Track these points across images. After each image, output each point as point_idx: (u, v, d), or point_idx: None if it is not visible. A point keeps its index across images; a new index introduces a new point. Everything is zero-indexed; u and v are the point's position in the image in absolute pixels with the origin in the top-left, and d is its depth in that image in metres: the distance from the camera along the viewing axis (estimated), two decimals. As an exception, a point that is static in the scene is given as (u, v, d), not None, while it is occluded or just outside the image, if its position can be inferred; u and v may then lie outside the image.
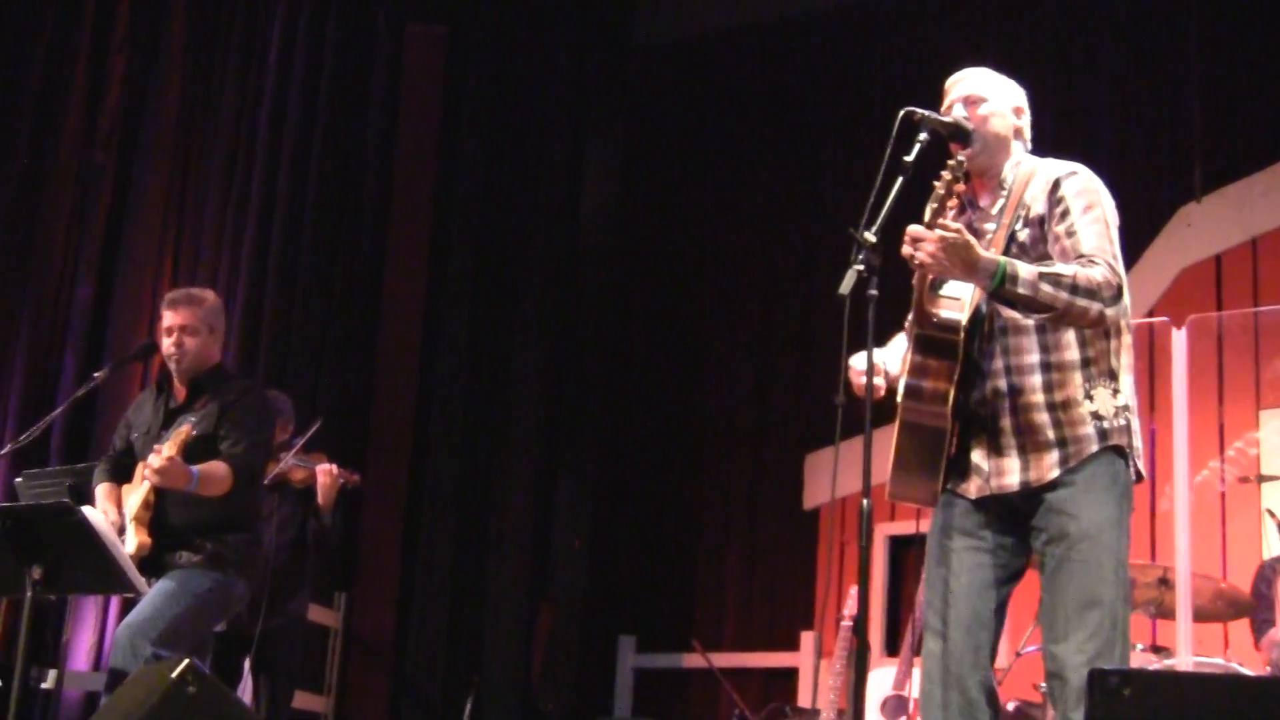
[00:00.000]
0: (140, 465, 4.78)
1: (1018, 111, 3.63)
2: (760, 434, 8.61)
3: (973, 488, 3.44)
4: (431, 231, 8.24)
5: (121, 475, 4.91)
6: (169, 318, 4.91)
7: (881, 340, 3.54)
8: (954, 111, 3.54)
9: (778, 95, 9.01)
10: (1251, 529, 6.47)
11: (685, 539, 8.66)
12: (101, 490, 4.88)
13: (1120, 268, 3.37)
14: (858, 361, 3.47)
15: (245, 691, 5.61)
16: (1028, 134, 3.65)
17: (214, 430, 4.76)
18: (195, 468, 4.61)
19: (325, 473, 5.73)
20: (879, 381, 3.43)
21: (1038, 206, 3.46)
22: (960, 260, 3.23)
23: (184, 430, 4.65)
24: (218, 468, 4.68)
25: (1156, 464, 5.67)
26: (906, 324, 3.71)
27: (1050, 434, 3.37)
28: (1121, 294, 3.34)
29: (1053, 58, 7.96)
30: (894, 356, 3.63)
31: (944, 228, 3.22)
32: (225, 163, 7.67)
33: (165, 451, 4.55)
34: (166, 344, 4.90)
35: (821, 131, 8.76)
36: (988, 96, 3.57)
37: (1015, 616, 3.76)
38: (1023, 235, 3.46)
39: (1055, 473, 3.35)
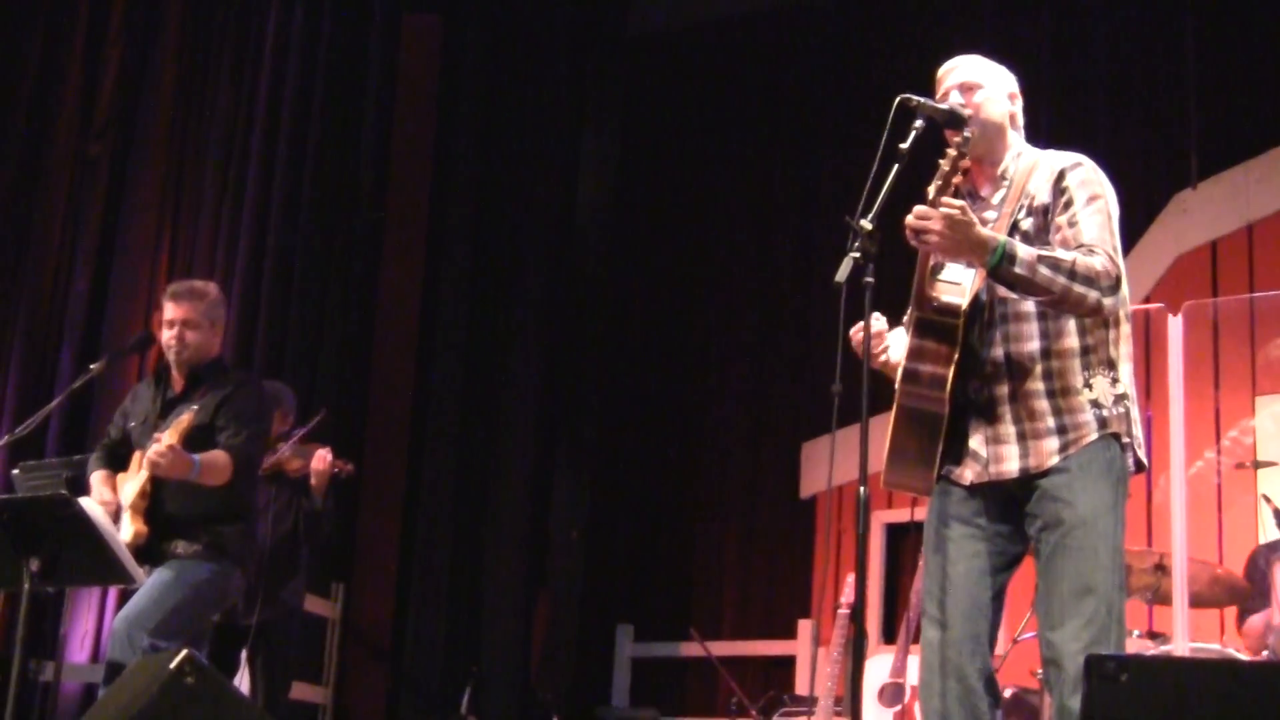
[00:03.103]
0: (137, 454, 4.78)
1: (1012, 97, 3.64)
2: (757, 423, 8.61)
3: (969, 474, 3.43)
4: (428, 223, 8.23)
5: (116, 464, 4.91)
6: (171, 310, 4.89)
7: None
8: (950, 99, 3.54)
9: (774, 86, 9.01)
10: (1248, 515, 6.48)
11: (682, 528, 8.67)
12: (97, 477, 4.88)
13: (1120, 260, 3.38)
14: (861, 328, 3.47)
15: (242, 683, 5.61)
16: (1021, 119, 3.65)
17: (211, 420, 4.75)
18: (197, 456, 4.61)
19: (320, 459, 5.72)
20: (882, 345, 3.48)
21: (1042, 196, 3.46)
22: (964, 238, 3.24)
23: (185, 419, 4.63)
24: (219, 456, 4.68)
25: (1153, 450, 5.66)
26: (906, 318, 3.71)
27: (1050, 421, 3.37)
28: (1119, 285, 3.35)
29: (1049, 46, 7.95)
30: (896, 340, 3.62)
31: (948, 205, 3.22)
32: (221, 155, 7.66)
33: (166, 440, 4.54)
34: (167, 336, 4.88)
35: (818, 122, 8.76)
36: (982, 83, 3.58)
37: (1012, 603, 3.76)
38: (1026, 224, 3.46)
39: (1055, 459, 3.35)
